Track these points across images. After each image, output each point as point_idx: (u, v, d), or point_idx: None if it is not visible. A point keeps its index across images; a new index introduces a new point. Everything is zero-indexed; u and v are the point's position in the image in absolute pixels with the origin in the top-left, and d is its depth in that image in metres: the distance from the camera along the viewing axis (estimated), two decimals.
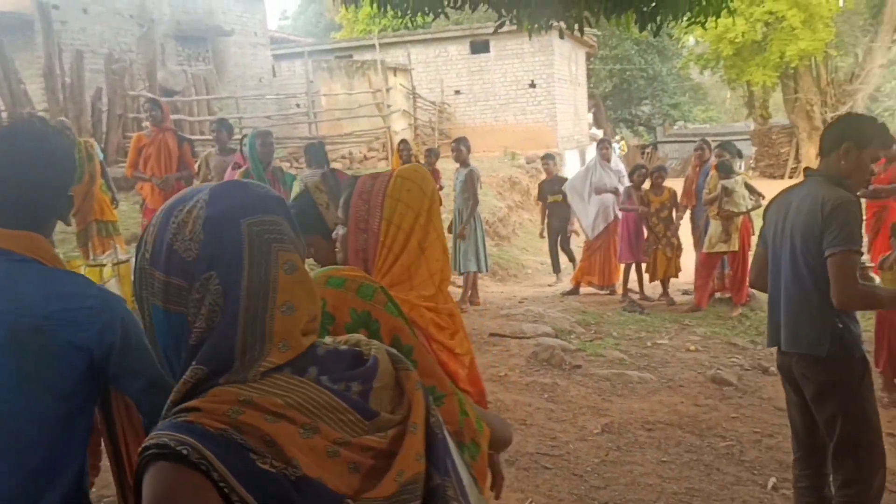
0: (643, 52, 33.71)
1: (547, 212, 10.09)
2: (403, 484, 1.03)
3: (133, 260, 1.68)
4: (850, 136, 2.97)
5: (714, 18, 6.68)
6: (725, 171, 7.92)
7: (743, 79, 22.68)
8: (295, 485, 0.96)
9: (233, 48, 17.66)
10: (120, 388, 1.85)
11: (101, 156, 8.54)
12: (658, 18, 6.65)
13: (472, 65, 20.33)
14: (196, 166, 8.16)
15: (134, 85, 13.27)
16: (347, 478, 1.01)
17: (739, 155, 8.80)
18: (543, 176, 10.71)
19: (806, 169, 3.22)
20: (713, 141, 9.17)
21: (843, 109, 20.95)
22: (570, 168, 19.68)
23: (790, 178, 21.62)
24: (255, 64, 18.34)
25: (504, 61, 20.01)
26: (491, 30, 16.92)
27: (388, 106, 17.39)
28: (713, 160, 8.38)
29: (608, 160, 9.32)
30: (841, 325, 2.94)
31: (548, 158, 10.33)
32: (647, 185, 8.83)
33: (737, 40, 21.01)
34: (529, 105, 19.93)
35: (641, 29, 6.85)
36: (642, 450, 4.71)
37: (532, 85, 19.86)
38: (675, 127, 38.26)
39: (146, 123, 8.17)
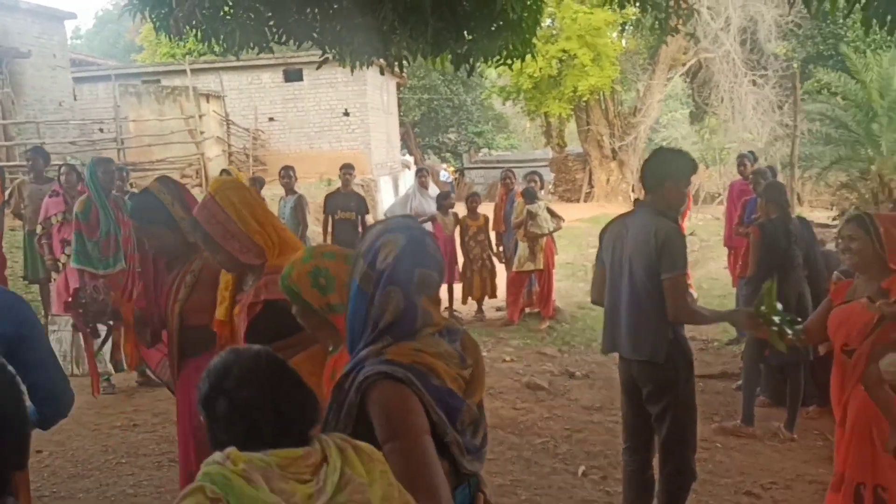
0: (449, 83, 35.20)
1: (332, 229, 8.87)
2: (477, 400, 1.95)
3: None
4: (670, 175, 3.56)
5: (520, 61, 7.44)
6: (530, 197, 8.74)
7: (541, 110, 24.26)
8: (447, 392, 1.83)
9: (30, 70, 16.71)
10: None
11: None
12: (471, 60, 7.33)
13: (285, 92, 20.47)
14: (7, 194, 7.86)
15: None
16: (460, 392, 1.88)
17: (541, 182, 9.71)
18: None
19: (636, 201, 3.80)
20: (516, 167, 10.04)
21: (629, 139, 23.10)
22: (385, 194, 20.31)
23: (585, 201, 23.45)
24: (55, 87, 17.44)
25: (318, 90, 20.33)
26: (304, 59, 17.32)
27: (202, 132, 17.18)
28: (518, 188, 9.21)
29: (426, 187, 9.94)
30: (673, 336, 3.54)
31: (348, 169, 9.17)
32: (462, 210, 9.52)
33: (535, 75, 22.51)
34: (344, 133, 20.36)
35: (456, 69, 7.48)
36: None
37: (346, 113, 20.32)
38: (480, 154, 40.10)
39: None
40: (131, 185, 8.84)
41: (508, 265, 9.24)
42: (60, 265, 7.08)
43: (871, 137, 12.61)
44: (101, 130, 18.25)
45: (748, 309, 3.63)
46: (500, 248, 9.41)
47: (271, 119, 20.53)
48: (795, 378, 5.68)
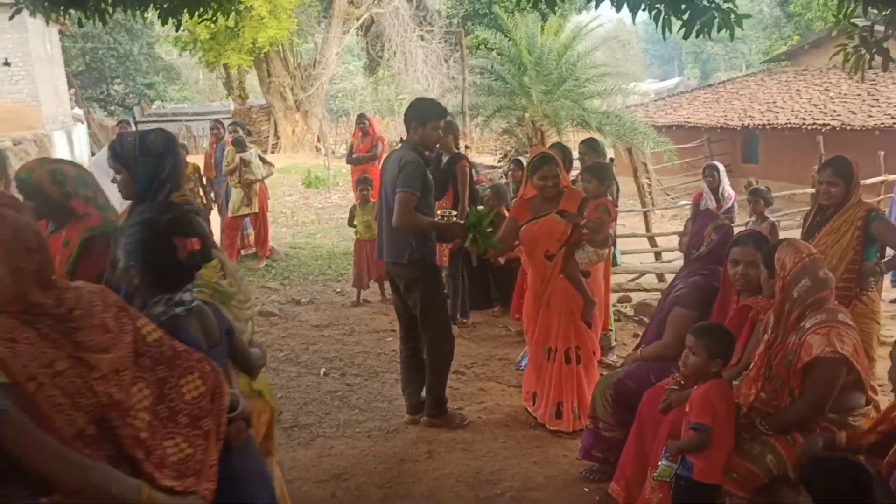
0: (112, 31, 33.04)
1: None
2: None
3: None
4: (414, 118, 4.48)
5: (224, 16, 7.82)
6: (241, 145, 9.26)
7: (220, 61, 24.02)
8: None
9: None
10: None
11: None
12: (180, 16, 7.56)
13: None
14: None
15: None
16: None
17: (248, 132, 10.22)
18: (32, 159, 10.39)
19: (401, 139, 4.70)
20: (197, 120, 10.39)
21: (311, 91, 23.84)
22: (60, 150, 19.02)
23: (273, 152, 23.85)
24: None
25: None
26: None
27: None
28: (227, 137, 9.65)
29: None
30: (414, 243, 4.46)
31: None
32: None
33: (212, 26, 22.22)
34: (7, 84, 18.58)
35: (164, 23, 7.66)
36: None
37: (6, 63, 18.48)
38: (154, 107, 38.31)
39: None
40: None
41: (221, 211, 9.68)
42: None
43: (524, 88, 14.68)
44: None
45: (462, 223, 4.71)
46: (212, 195, 9.79)
47: None
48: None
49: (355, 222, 8.08)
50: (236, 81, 26.46)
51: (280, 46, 23.96)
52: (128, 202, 3.12)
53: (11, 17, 8.27)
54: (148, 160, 2.96)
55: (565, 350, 4.74)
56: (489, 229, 4.54)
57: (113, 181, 3.11)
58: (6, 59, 18.54)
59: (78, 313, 1.79)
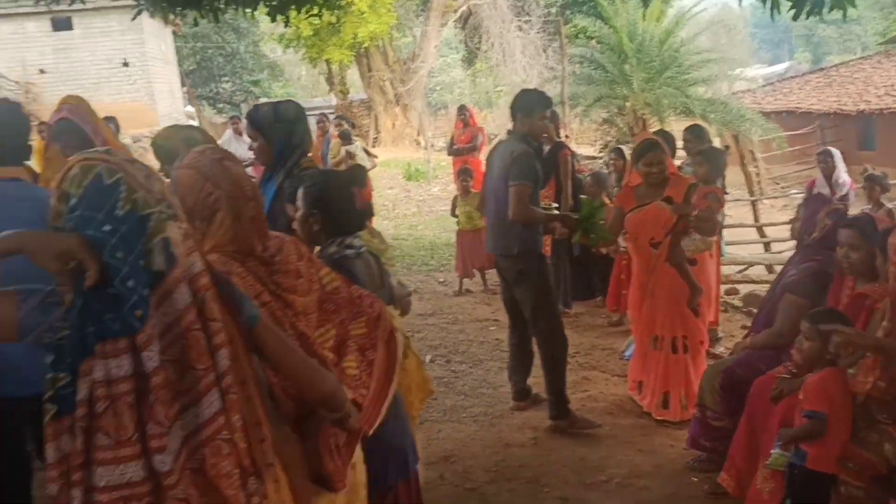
0: (220, 31, 34.32)
1: None
2: None
3: None
4: (520, 108, 4.49)
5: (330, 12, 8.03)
6: (347, 138, 9.54)
7: (322, 57, 24.61)
8: None
9: None
10: None
11: None
12: (287, 12, 7.82)
13: (55, 42, 19.36)
14: None
15: None
16: None
17: (353, 125, 10.50)
18: (152, 157, 11.05)
19: (508, 130, 4.69)
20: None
21: (410, 84, 24.15)
22: None
23: (373, 146, 24.28)
24: None
25: (92, 39, 19.43)
26: (70, 6, 16.48)
27: None
28: (333, 131, 9.95)
29: (241, 133, 10.37)
30: (522, 236, 4.45)
31: None
32: None
33: (313, 22, 22.80)
34: (125, 84, 19.70)
35: (272, 20, 7.97)
36: None
37: (125, 64, 19.63)
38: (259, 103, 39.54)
39: None
40: None
41: None
42: None
43: (625, 77, 14.42)
44: None
45: (573, 215, 4.73)
46: None
47: (42, 71, 19.36)
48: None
49: (457, 212, 8.19)
50: (338, 77, 27.06)
51: (380, 41, 24.35)
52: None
53: (133, 18, 8.76)
54: (282, 126, 3.18)
55: (672, 339, 4.70)
56: (601, 221, 4.56)
57: (250, 148, 3.42)
58: (125, 59, 19.65)
59: (278, 258, 1.99)
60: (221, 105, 40.31)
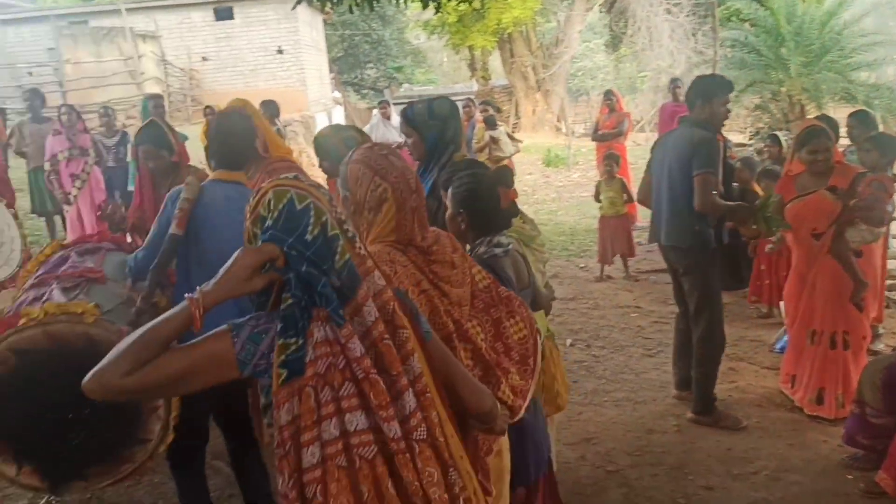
0: (367, 18, 35.25)
1: None
2: None
3: None
4: (699, 95, 4.33)
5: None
6: (491, 124, 9.61)
7: (466, 43, 24.83)
8: None
9: None
10: None
11: None
12: None
13: (217, 31, 20.49)
14: (8, 135, 8.27)
15: None
16: None
17: (498, 110, 10.57)
18: (301, 139, 11.61)
19: (680, 118, 4.56)
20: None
21: (552, 69, 23.98)
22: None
23: (513, 132, 24.27)
24: None
25: (250, 28, 20.44)
26: None
27: (142, 73, 17.25)
28: (478, 115, 10.05)
29: (389, 118, 10.68)
30: (696, 228, 4.33)
31: None
32: None
33: (459, 8, 22.97)
34: (279, 70, 20.60)
35: (424, 7, 8.11)
36: None
37: (280, 51, 20.53)
38: (402, 89, 40.34)
39: None
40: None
41: None
42: (72, 198, 7.63)
43: (781, 61, 13.75)
44: (30, 74, 18.04)
45: (749, 206, 4.59)
46: None
47: (204, 59, 20.56)
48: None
49: (600, 198, 8.13)
50: (479, 62, 27.26)
51: (523, 26, 24.30)
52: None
53: (293, 8, 9.17)
54: (436, 123, 3.27)
55: (831, 334, 4.50)
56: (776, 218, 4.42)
57: (404, 145, 3.52)
58: (280, 47, 20.56)
59: (436, 248, 2.10)
60: (365, 91, 41.46)
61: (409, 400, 1.60)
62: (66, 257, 3.10)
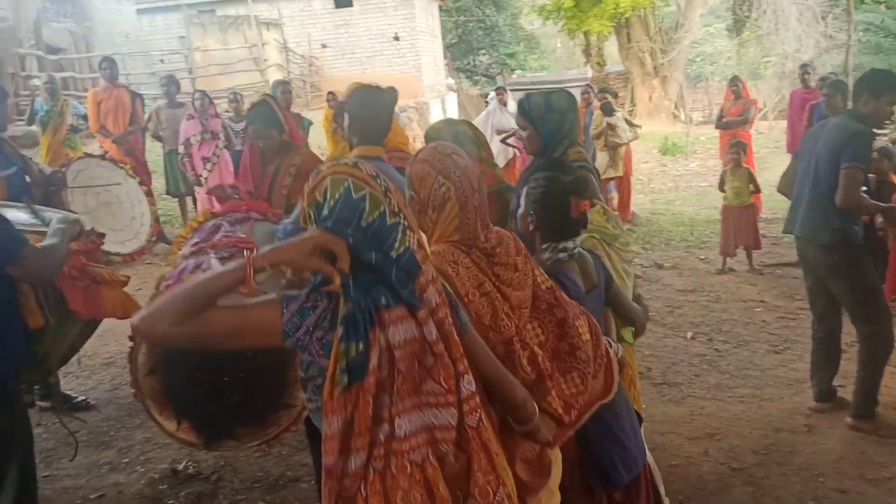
0: (481, 4, 35.25)
1: None
2: None
3: None
4: (868, 88, 4.10)
5: None
6: (608, 110, 9.48)
7: (582, 28, 24.43)
8: None
9: (97, 4, 17.40)
10: None
11: (81, 111, 9.00)
12: None
13: (336, 19, 20.97)
14: (146, 119, 8.74)
15: (19, 43, 13.12)
16: None
17: (615, 96, 10.40)
18: (416, 126, 11.69)
19: (844, 112, 4.39)
20: (556, 88, 10.70)
21: (671, 55, 23.33)
22: (436, 115, 20.95)
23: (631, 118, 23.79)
24: (121, 20, 18.13)
25: (368, 15, 20.82)
26: None
27: (265, 60, 17.86)
28: (596, 102, 9.93)
29: (505, 104, 10.67)
30: (838, 223, 4.08)
31: None
32: None
33: None
34: (395, 57, 20.91)
35: None
36: None
37: (396, 38, 20.83)
38: (514, 76, 40.16)
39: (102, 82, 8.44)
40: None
41: None
42: (203, 180, 8.00)
43: None
44: (161, 61, 18.96)
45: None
46: None
47: (324, 45, 21.09)
48: None
49: (725, 187, 7.88)
50: (595, 48, 26.79)
51: (642, 10, 23.71)
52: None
53: None
54: (552, 117, 3.22)
55: None
56: None
57: (519, 138, 3.46)
58: (396, 34, 20.86)
59: (499, 250, 2.09)
60: (477, 77, 41.50)
61: (467, 385, 1.66)
62: (219, 226, 3.25)
